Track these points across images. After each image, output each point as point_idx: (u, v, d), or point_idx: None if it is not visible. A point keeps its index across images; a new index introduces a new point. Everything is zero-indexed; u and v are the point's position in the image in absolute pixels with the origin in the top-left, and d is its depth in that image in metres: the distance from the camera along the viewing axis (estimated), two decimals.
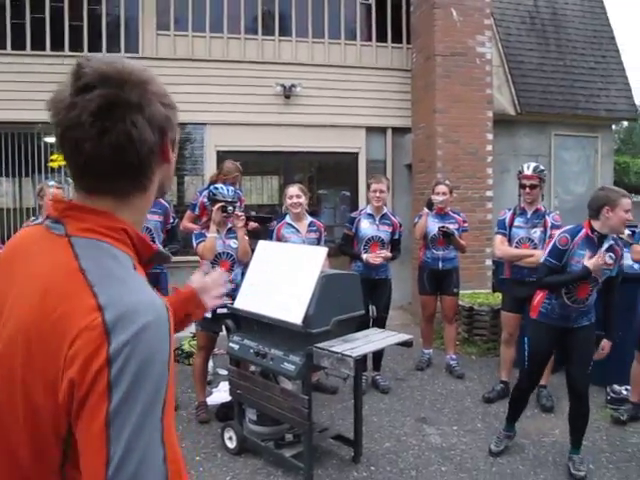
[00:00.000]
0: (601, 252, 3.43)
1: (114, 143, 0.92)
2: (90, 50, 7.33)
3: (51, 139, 7.43)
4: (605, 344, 3.66)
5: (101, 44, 7.40)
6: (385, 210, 5.18)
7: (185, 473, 0.91)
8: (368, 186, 5.31)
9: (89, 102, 0.91)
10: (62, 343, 0.85)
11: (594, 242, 3.48)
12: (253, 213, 4.68)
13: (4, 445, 0.94)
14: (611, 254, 3.49)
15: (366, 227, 5.08)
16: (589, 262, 3.40)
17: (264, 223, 5.13)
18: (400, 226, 5.23)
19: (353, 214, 5.34)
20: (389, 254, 5.03)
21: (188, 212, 5.28)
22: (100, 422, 0.81)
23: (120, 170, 0.96)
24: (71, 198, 1.02)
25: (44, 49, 7.21)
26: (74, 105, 0.92)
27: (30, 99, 6.67)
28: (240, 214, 4.37)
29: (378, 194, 5.02)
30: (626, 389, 4.55)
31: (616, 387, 4.63)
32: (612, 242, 3.52)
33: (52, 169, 7.15)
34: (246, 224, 4.55)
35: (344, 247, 5.19)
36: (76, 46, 7.28)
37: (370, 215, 5.12)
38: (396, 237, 5.17)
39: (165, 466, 0.85)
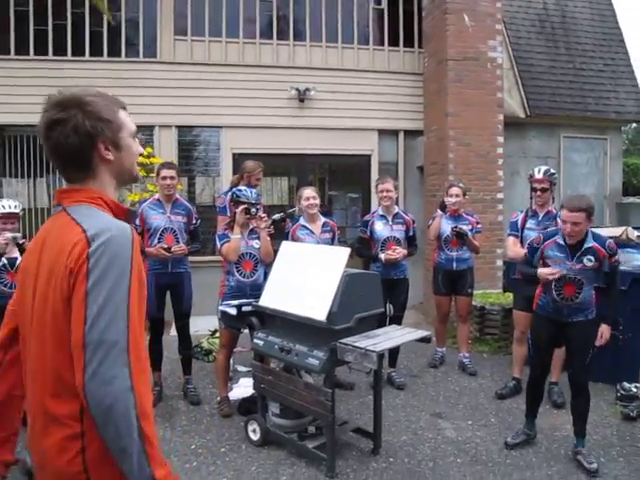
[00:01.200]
0: (558, 268, 3.72)
1: (53, 145, 1.41)
2: (109, 55, 7.53)
3: None
4: (604, 329, 3.78)
5: (120, 49, 7.60)
6: (397, 209, 5.34)
7: (142, 344, 1.32)
8: (375, 187, 5.46)
9: (42, 120, 1.41)
10: (63, 257, 1.30)
11: (563, 246, 3.74)
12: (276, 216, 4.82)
13: (40, 345, 1.35)
14: (590, 257, 3.65)
15: (380, 229, 5.24)
16: (540, 270, 3.81)
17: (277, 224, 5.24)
18: (413, 222, 5.38)
19: (366, 217, 5.50)
20: (404, 251, 5.17)
21: (220, 216, 5.37)
22: (81, 295, 1.26)
23: (64, 163, 1.44)
24: (59, 188, 1.51)
25: (65, 54, 7.41)
26: (39, 122, 1.42)
27: (42, 103, 6.89)
28: (263, 215, 4.52)
29: (385, 194, 5.18)
30: (636, 387, 4.68)
31: (626, 384, 4.75)
32: (592, 244, 3.67)
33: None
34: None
35: (361, 250, 5.34)
36: (96, 52, 7.48)
37: (382, 216, 5.27)
38: (411, 234, 5.33)
39: (128, 329, 1.26)
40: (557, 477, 3.61)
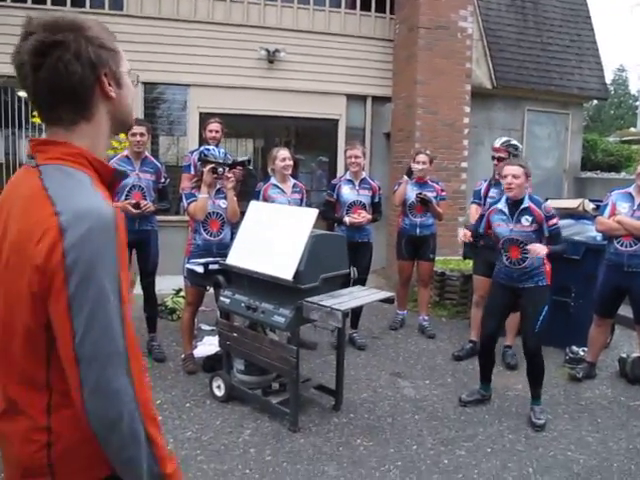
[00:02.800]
0: (500, 230, 3.98)
1: (45, 76, 1.13)
2: (73, 5, 7.26)
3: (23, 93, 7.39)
4: (538, 246, 3.78)
5: (85, 0, 7.32)
6: (364, 175, 5.42)
7: (138, 347, 1.15)
8: (344, 153, 5.53)
9: (27, 45, 1.12)
10: (31, 244, 1.07)
11: (504, 210, 3.98)
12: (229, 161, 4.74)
13: (7, 341, 1.16)
14: (527, 217, 3.87)
15: (347, 192, 5.31)
16: (459, 232, 4.31)
17: (243, 166, 5.21)
18: (379, 189, 5.48)
19: (333, 181, 5.57)
20: (369, 216, 5.27)
21: (184, 174, 5.38)
22: (63, 303, 1.05)
23: (57, 99, 1.16)
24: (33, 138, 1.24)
25: (25, 1, 7.11)
26: (19, 49, 1.14)
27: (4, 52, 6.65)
28: (230, 175, 4.53)
29: (354, 159, 5.27)
30: (583, 350, 4.93)
31: (574, 348, 5.01)
32: (527, 204, 3.88)
33: (34, 124, 7.12)
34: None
35: (326, 213, 5.41)
36: (59, 1, 7.18)
37: (349, 181, 5.34)
38: (376, 200, 5.43)
39: (124, 334, 1.09)
40: (507, 432, 3.82)
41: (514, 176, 3.82)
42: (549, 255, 3.78)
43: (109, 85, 1.21)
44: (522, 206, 3.88)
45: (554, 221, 3.89)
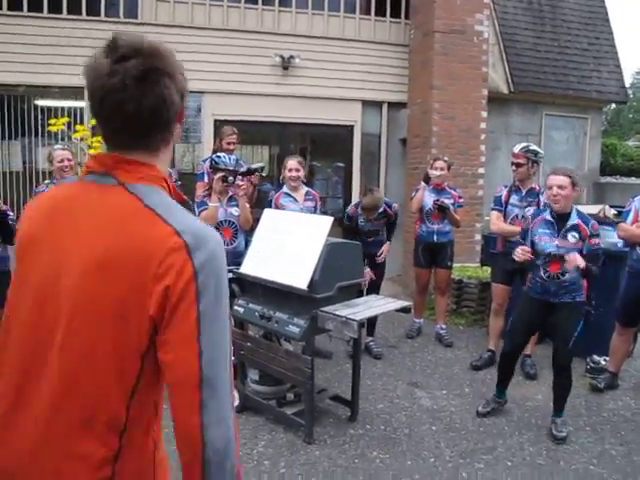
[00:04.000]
0: (546, 245, 3.78)
1: (152, 104, 1.08)
2: (88, 14, 7.30)
3: (46, 102, 7.45)
4: (576, 255, 3.62)
5: (99, 9, 7.36)
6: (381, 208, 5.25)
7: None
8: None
9: (130, 69, 1.06)
10: (149, 263, 1.02)
11: (551, 222, 3.80)
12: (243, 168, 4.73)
13: (91, 371, 1.05)
14: (574, 233, 3.71)
15: (362, 224, 5.26)
16: (517, 250, 3.80)
17: (255, 173, 5.19)
18: (396, 215, 5.39)
19: (351, 213, 5.32)
20: (388, 245, 5.37)
21: (198, 183, 5.37)
22: (192, 322, 1.02)
23: (154, 128, 1.12)
24: (109, 154, 1.15)
25: (42, 11, 7.16)
26: (115, 72, 1.06)
27: (16, 61, 6.72)
28: (241, 183, 4.49)
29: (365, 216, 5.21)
30: (605, 359, 4.82)
31: (595, 357, 4.89)
32: (576, 221, 3.73)
33: (49, 133, 7.17)
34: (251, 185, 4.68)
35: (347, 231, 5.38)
36: (74, 10, 7.24)
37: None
38: (390, 222, 5.39)
39: (230, 358, 1.08)
40: (527, 444, 3.72)
41: (560, 187, 3.62)
42: (583, 270, 3.59)
43: (179, 122, 1.19)
44: (570, 223, 3.71)
45: (597, 240, 3.72)
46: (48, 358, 1.07)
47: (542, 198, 4.73)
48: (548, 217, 3.82)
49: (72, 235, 1.10)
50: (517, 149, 4.80)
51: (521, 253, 3.76)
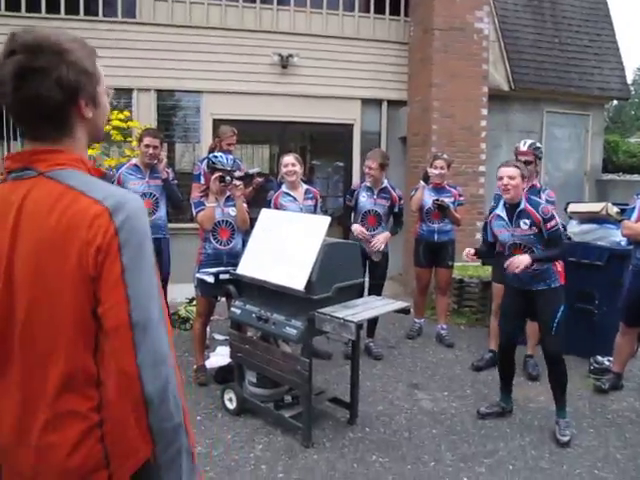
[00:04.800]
0: (504, 237, 3.85)
1: (26, 98, 1.18)
2: (86, 14, 7.26)
3: None
4: (522, 258, 3.65)
5: (98, 8, 7.31)
6: (385, 184, 5.26)
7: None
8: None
9: (9, 64, 1.16)
10: (80, 232, 1.15)
11: (502, 215, 3.87)
12: (238, 173, 4.73)
13: (57, 337, 1.18)
14: (525, 220, 3.74)
15: (364, 200, 5.19)
16: (463, 254, 4.08)
17: (251, 178, 5.22)
18: (400, 200, 5.31)
19: (353, 186, 5.45)
20: (383, 235, 5.15)
21: (194, 184, 5.33)
22: (117, 273, 1.14)
23: (38, 120, 1.22)
24: (22, 150, 1.26)
25: (39, 11, 7.11)
26: (2, 66, 1.17)
27: None
28: (238, 183, 4.43)
29: (367, 170, 5.14)
30: (608, 360, 4.74)
31: (599, 358, 4.82)
32: (524, 206, 3.75)
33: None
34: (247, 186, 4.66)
35: (344, 218, 5.30)
36: (72, 10, 7.19)
37: (368, 188, 5.21)
38: (396, 210, 5.27)
39: (161, 308, 1.19)
40: (530, 447, 3.66)
41: (510, 177, 3.71)
42: (537, 261, 3.65)
43: (86, 106, 1.26)
44: (518, 209, 3.76)
45: (552, 223, 3.71)
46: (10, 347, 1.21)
47: (543, 195, 4.65)
48: (501, 209, 3.89)
49: (9, 233, 1.20)
50: (525, 146, 4.72)
51: (466, 254, 4.04)
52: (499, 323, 4.14)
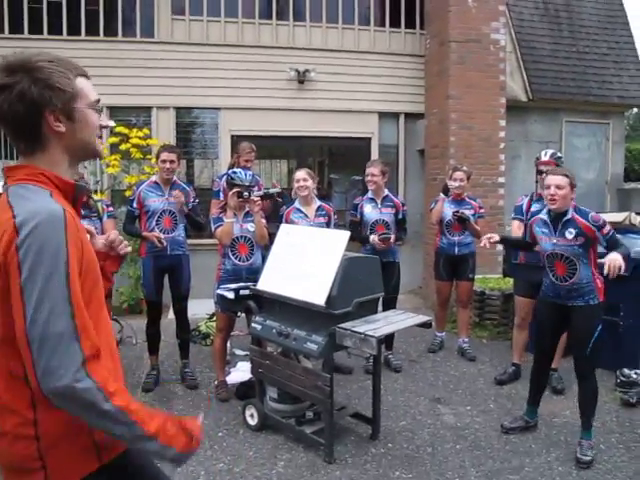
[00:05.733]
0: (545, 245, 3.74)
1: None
2: (106, 35, 7.40)
3: None
4: (612, 256, 3.41)
5: (117, 28, 7.46)
6: (386, 192, 5.28)
7: (92, 330, 1.26)
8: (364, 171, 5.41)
9: None
10: None
11: (547, 222, 3.74)
12: (257, 192, 4.74)
13: None
14: (571, 229, 3.59)
15: (369, 212, 5.20)
16: (483, 239, 4.02)
17: (271, 199, 5.24)
18: (403, 206, 5.32)
19: (356, 200, 5.44)
20: (392, 236, 5.09)
21: (213, 200, 5.37)
22: (17, 290, 1.20)
23: (13, 134, 1.34)
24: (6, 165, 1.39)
25: (61, 33, 7.27)
26: None
27: None
28: (256, 199, 4.45)
29: (370, 178, 5.14)
30: (636, 373, 4.64)
31: (626, 371, 4.72)
32: (571, 215, 3.62)
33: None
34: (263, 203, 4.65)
35: (352, 233, 5.27)
36: (92, 31, 7.34)
37: (371, 199, 5.23)
38: (400, 217, 5.27)
39: (73, 321, 1.21)
40: (556, 464, 3.58)
41: (558, 187, 3.56)
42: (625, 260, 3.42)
43: (57, 121, 1.32)
44: (565, 218, 3.62)
45: (607, 229, 3.58)
46: None
47: None
48: (544, 217, 3.76)
49: None
50: (547, 157, 4.68)
51: (487, 239, 3.96)
52: (535, 337, 4.01)
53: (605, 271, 3.40)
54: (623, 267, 3.39)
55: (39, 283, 1.19)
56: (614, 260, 3.37)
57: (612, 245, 3.57)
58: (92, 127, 1.40)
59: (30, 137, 1.33)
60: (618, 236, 5.09)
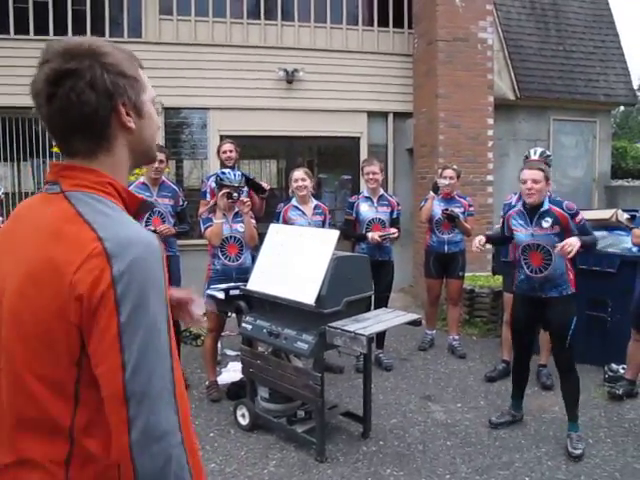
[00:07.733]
0: (522, 236, 3.81)
1: (58, 106, 1.06)
2: (93, 34, 7.34)
3: None
4: (571, 240, 3.51)
5: (104, 29, 7.41)
6: (381, 191, 5.32)
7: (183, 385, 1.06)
8: (361, 170, 5.43)
9: (42, 73, 1.06)
10: (67, 269, 0.98)
11: (523, 213, 3.82)
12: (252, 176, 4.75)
13: (19, 384, 1.04)
14: (547, 218, 3.68)
15: (365, 210, 5.21)
16: (474, 242, 4.06)
17: (258, 192, 5.26)
18: (398, 205, 5.35)
19: (352, 199, 5.46)
20: (394, 230, 5.13)
21: (201, 201, 5.38)
22: (113, 333, 0.96)
23: (71, 130, 1.09)
24: (57, 162, 1.14)
25: (47, 33, 7.22)
26: (35, 78, 1.08)
27: (27, 84, 6.71)
28: (246, 200, 4.46)
29: (372, 176, 5.16)
30: (623, 368, 4.69)
31: (613, 366, 4.77)
32: (547, 207, 3.70)
33: (55, 153, 7.20)
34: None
35: (346, 231, 5.29)
36: (79, 31, 7.28)
37: (368, 198, 5.25)
38: (394, 216, 5.29)
39: (172, 373, 1.01)
40: (546, 458, 3.61)
41: (534, 181, 3.64)
42: (582, 246, 3.48)
43: (127, 115, 1.12)
44: (541, 209, 3.70)
45: (579, 217, 3.69)
46: None
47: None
48: (520, 208, 3.83)
49: (10, 249, 1.09)
50: (536, 155, 4.71)
51: (477, 242, 4.01)
52: (512, 333, 4.10)
53: (557, 249, 3.52)
54: (575, 250, 3.46)
55: (143, 329, 0.98)
56: (571, 241, 3.48)
57: (583, 233, 3.67)
58: (156, 126, 1.22)
59: (96, 133, 1.10)
60: (604, 232, 5.18)
